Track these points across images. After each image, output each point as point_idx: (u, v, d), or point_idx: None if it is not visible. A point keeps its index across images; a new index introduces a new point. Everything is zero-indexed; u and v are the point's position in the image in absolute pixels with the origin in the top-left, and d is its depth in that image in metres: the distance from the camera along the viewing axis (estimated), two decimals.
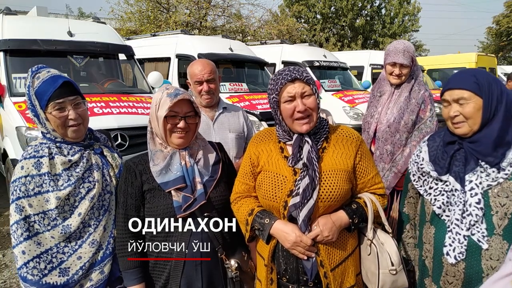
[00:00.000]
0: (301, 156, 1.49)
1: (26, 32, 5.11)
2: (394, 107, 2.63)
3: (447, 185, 1.52)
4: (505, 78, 16.90)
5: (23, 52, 4.98)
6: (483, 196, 1.43)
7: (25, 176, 1.56)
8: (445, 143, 1.57)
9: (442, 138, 1.60)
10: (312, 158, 1.47)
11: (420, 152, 1.66)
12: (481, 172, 1.45)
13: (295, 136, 1.53)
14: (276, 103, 1.51)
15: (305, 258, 1.48)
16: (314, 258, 1.48)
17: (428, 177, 1.60)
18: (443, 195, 1.52)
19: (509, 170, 1.41)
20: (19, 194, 1.55)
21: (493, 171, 1.43)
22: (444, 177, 1.52)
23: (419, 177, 1.65)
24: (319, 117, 1.56)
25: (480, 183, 1.44)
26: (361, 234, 1.63)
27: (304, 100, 1.48)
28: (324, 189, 1.47)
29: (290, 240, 1.45)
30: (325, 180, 1.48)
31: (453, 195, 1.49)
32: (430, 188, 1.58)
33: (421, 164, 1.62)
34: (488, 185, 1.43)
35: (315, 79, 1.67)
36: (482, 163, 1.45)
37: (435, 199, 1.54)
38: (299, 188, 1.45)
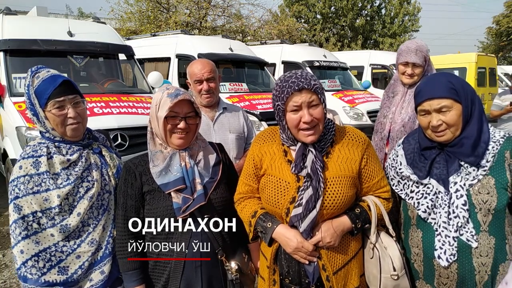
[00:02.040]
0: (305, 165, 1.46)
1: (26, 32, 5.11)
2: (409, 106, 2.58)
3: (428, 188, 1.52)
4: (505, 78, 16.87)
5: (23, 52, 4.98)
6: (466, 196, 1.45)
7: (24, 176, 1.56)
8: (422, 147, 1.57)
9: (418, 141, 1.60)
10: (316, 168, 1.43)
11: (397, 156, 1.66)
12: (463, 172, 1.47)
13: (298, 144, 1.49)
14: (281, 111, 1.45)
15: (307, 263, 1.47)
16: (316, 262, 1.47)
17: (408, 181, 1.60)
18: (426, 198, 1.52)
19: (487, 166, 1.44)
20: (17, 193, 1.55)
21: (473, 170, 1.46)
22: (425, 181, 1.53)
23: (398, 181, 1.65)
24: (325, 119, 1.51)
25: (464, 184, 1.46)
26: (365, 236, 1.61)
27: (311, 110, 1.41)
28: (328, 197, 1.44)
29: (291, 245, 1.45)
30: (329, 188, 1.45)
31: (437, 197, 1.50)
32: (412, 191, 1.58)
33: (399, 169, 1.62)
34: (470, 184, 1.45)
35: (321, 87, 1.59)
36: (463, 163, 1.47)
37: (419, 203, 1.54)
38: (302, 198, 1.43)
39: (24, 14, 7.01)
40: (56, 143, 1.64)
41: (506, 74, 17.10)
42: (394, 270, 1.50)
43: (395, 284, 1.52)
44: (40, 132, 1.67)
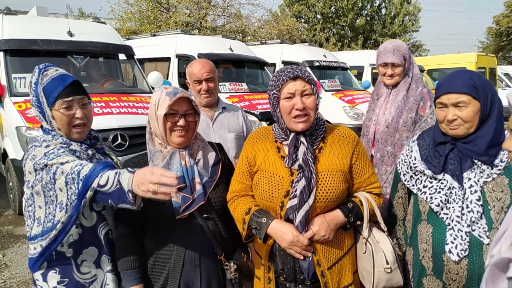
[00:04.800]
0: (297, 157, 1.49)
1: (26, 32, 5.12)
2: (392, 106, 2.58)
3: (442, 183, 1.54)
4: (505, 78, 16.86)
5: (23, 52, 4.99)
6: (481, 192, 1.47)
7: (47, 146, 1.51)
8: (435, 143, 1.59)
9: (432, 137, 1.62)
10: (307, 159, 1.47)
11: (411, 151, 1.68)
12: (477, 169, 1.49)
13: (291, 135, 1.54)
14: (276, 99, 1.52)
15: (302, 258, 1.48)
16: (310, 258, 1.48)
17: (421, 176, 1.62)
18: (439, 192, 1.53)
19: (501, 166, 1.46)
20: (53, 155, 1.46)
21: (487, 168, 1.47)
22: (439, 176, 1.54)
23: (411, 176, 1.66)
24: (316, 117, 1.56)
25: (478, 180, 1.48)
26: (357, 232, 1.64)
27: (304, 99, 1.48)
28: (321, 190, 1.47)
29: (287, 239, 1.46)
30: (321, 181, 1.48)
31: (451, 192, 1.51)
32: (425, 186, 1.59)
33: (413, 163, 1.64)
34: (484, 182, 1.47)
35: (315, 79, 1.69)
36: (477, 161, 1.49)
37: (432, 197, 1.55)
38: (296, 190, 1.45)
39: (24, 14, 7.01)
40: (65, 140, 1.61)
41: (506, 74, 17.10)
42: (387, 263, 1.53)
43: (388, 278, 1.54)
44: (44, 130, 1.62)
